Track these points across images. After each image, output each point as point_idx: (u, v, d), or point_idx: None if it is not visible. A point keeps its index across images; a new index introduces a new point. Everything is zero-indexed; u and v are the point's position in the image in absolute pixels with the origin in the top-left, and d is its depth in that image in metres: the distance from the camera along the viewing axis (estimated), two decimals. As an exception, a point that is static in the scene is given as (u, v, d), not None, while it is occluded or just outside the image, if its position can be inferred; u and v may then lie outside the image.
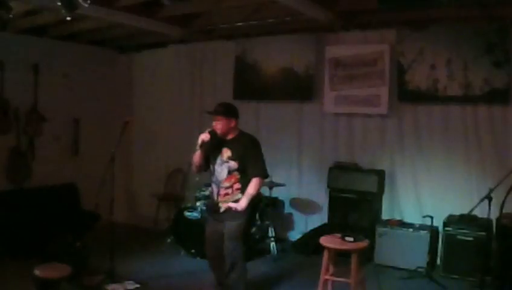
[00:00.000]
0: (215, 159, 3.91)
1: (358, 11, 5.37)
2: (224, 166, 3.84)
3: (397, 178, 5.65)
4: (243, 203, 3.76)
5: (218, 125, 3.85)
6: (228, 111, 3.89)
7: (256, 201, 4.07)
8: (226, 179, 3.84)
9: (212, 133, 3.84)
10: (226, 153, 3.85)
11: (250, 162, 3.81)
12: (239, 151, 3.81)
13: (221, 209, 3.87)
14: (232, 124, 3.87)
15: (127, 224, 6.75)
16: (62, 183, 6.38)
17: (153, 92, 7.33)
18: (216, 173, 3.91)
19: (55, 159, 6.58)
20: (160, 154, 7.22)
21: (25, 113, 6.23)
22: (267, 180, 5.50)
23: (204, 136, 3.82)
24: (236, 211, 3.77)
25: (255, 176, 3.82)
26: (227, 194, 3.84)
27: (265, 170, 3.92)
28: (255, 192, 3.81)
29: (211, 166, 3.96)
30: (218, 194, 3.89)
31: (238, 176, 3.82)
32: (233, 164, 3.81)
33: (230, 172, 3.82)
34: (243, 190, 3.81)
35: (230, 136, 3.89)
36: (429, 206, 5.30)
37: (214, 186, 3.96)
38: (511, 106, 4.92)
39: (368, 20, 5.44)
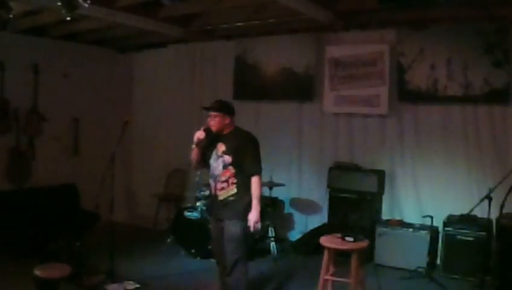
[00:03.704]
0: (211, 154, 3.94)
1: (358, 11, 5.37)
2: (219, 161, 3.87)
3: (397, 178, 5.65)
4: (256, 209, 3.80)
5: (213, 121, 3.88)
6: (223, 108, 3.92)
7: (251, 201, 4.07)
8: (221, 174, 3.86)
9: (208, 130, 3.88)
10: (221, 147, 3.88)
11: (247, 159, 3.83)
12: (233, 146, 3.84)
13: (220, 198, 3.88)
14: (227, 121, 3.89)
15: (127, 224, 6.76)
16: (62, 183, 6.38)
17: (153, 92, 7.33)
18: (212, 167, 3.95)
19: (55, 159, 6.58)
20: (160, 154, 7.22)
21: (25, 113, 6.23)
22: (266, 180, 5.55)
23: (200, 134, 3.87)
24: (258, 219, 3.81)
25: (253, 175, 3.83)
26: (223, 188, 3.86)
27: (261, 167, 3.91)
28: (260, 192, 3.85)
29: (208, 161, 3.98)
30: (215, 188, 3.93)
31: (233, 171, 3.83)
32: (227, 158, 3.83)
33: (225, 166, 3.84)
34: (238, 184, 3.82)
35: (225, 132, 3.92)
36: (429, 206, 5.30)
37: (211, 181, 4.00)
38: (511, 106, 4.92)
39: (368, 20, 5.44)
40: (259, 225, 3.85)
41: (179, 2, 4.66)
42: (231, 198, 3.84)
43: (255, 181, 3.83)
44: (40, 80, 6.33)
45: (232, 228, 3.82)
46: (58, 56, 6.59)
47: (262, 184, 3.93)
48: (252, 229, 3.84)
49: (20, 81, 6.14)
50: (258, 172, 3.85)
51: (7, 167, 6.12)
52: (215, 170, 3.92)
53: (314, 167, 6.14)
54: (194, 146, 3.91)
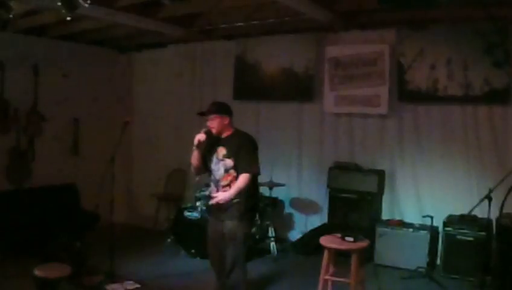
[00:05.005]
0: (211, 158, 3.93)
1: (358, 11, 5.36)
2: (220, 164, 3.86)
3: (397, 178, 5.65)
4: (229, 193, 3.75)
5: (213, 124, 3.87)
6: (221, 109, 3.92)
7: (255, 202, 4.06)
8: (223, 178, 3.85)
9: (208, 133, 3.87)
10: (221, 151, 3.87)
11: (243, 158, 3.80)
12: (233, 149, 3.83)
13: (212, 202, 3.87)
14: (226, 121, 3.89)
15: (127, 224, 6.76)
16: (62, 183, 6.37)
17: (153, 92, 7.33)
18: (213, 172, 3.93)
19: (55, 159, 6.58)
20: (160, 154, 7.22)
21: (25, 113, 6.22)
22: (266, 180, 5.55)
23: (200, 136, 3.85)
24: (225, 203, 3.76)
25: (243, 172, 3.79)
26: (225, 192, 3.84)
27: (256, 167, 3.87)
28: (243, 185, 3.76)
29: (209, 165, 3.97)
30: (217, 192, 3.90)
31: (235, 174, 3.82)
32: (228, 162, 3.82)
33: (226, 170, 3.83)
34: None
35: (225, 135, 3.92)
36: (429, 206, 5.30)
37: (212, 185, 3.98)
38: (511, 106, 4.92)
39: (368, 20, 5.44)
40: (221, 197, 3.77)
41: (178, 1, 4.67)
42: (233, 201, 3.82)
43: (243, 175, 3.77)
44: (40, 80, 6.32)
45: (233, 228, 3.82)
46: (58, 56, 6.58)
47: (255, 187, 3.86)
48: (211, 201, 3.80)
49: (20, 81, 6.13)
50: (250, 171, 3.79)
51: (7, 167, 6.11)
52: (216, 174, 3.90)
53: (314, 167, 6.13)
54: (194, 148, 3.90)
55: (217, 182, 3.89)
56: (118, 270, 4.68)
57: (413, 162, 5.53)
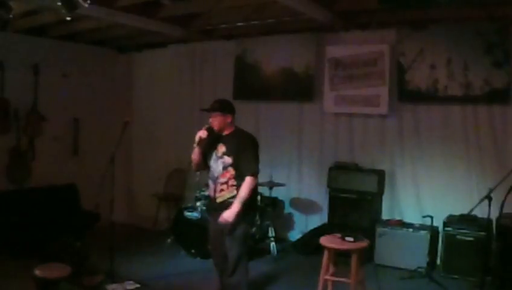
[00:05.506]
0: (210, 155, 3.94)
1: (358, 11, 5.37)
2: (219, 162, 3.87)
3: (397, 178, 5.65)
4: (234, 209, 3.72)
5: (215, 121, 3.88)
6: (224, 107, 3.92)
7: (254, 202, 4.06)
8: (221, 175, 3.85)
9: (210, 130, 3.88)
10: (221, 148, 3.87)
11: (244, 159, 3.79)
12: (233, 147, 3.83)
13: (219, 200, 3.86)
14: (229, 119, 3.90)
15: (127, 224, 6.75)
16: (62, 183, 6.37)
17: (153, 92, 7.33)
18: (212, 169, 3.94)
19: (55, 159, 6.59)
20: (160, 154, 7.22)
21: (25, 113, 6.23)
22: (266, 180, 5.56)
23: (202, 133, 3.87)
24: (231, 219, 3.72)
25: (248, 174, 3.77)
26: (222, 190, 3.85)
27: (257, 166, 3.84)
28: (247, 194, 3.74)
29: (208, 162, 3.98)
30: (214, 190, 3.92)
31: (233, 172, 3.82)
32: (227, 160, 3.82)
33: (225, 168, 3.83)
34: (238, 186, 3.80)
35: (226, 132, 3.92)
36: (429, 206, 5.30)
37: (210, 182, 3.98)
38: (511, 106, 4.92)
39: (368, 20, 5.44)
40: (227, 223, 3.74)
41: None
42: (231, 200, 3.81)
43: (247, 181, 3.75)
44: (40, 80, 6.33)
45: (232, 227, 3.81)
46: (58, 56, 6.59)
47: (254, 187, 3.80)
48: (223, 217, 3.74)
49: (20, 81, 6.14)
50: (253, 172, 3.78)
51: (7, 167, 6.12)
52: (214, 172, 3.91)
53: (314, 167, 6.13)
54: (195, 145, 3.91)
55: (215, 179, 3.90)
56: (118, 270, 4.68)
57: (413, 162, 5.53)
